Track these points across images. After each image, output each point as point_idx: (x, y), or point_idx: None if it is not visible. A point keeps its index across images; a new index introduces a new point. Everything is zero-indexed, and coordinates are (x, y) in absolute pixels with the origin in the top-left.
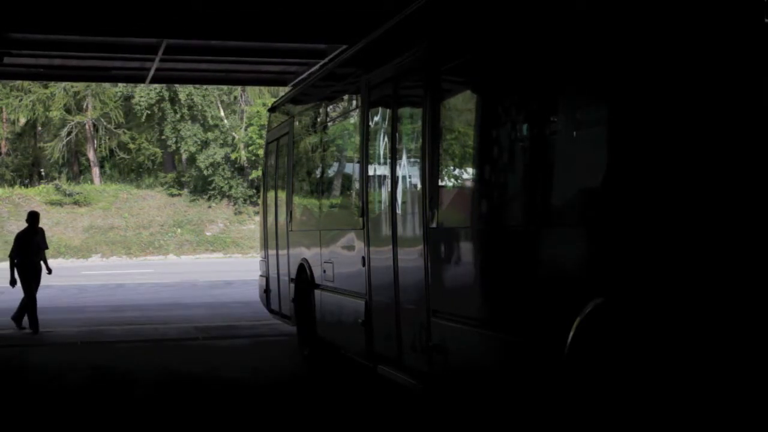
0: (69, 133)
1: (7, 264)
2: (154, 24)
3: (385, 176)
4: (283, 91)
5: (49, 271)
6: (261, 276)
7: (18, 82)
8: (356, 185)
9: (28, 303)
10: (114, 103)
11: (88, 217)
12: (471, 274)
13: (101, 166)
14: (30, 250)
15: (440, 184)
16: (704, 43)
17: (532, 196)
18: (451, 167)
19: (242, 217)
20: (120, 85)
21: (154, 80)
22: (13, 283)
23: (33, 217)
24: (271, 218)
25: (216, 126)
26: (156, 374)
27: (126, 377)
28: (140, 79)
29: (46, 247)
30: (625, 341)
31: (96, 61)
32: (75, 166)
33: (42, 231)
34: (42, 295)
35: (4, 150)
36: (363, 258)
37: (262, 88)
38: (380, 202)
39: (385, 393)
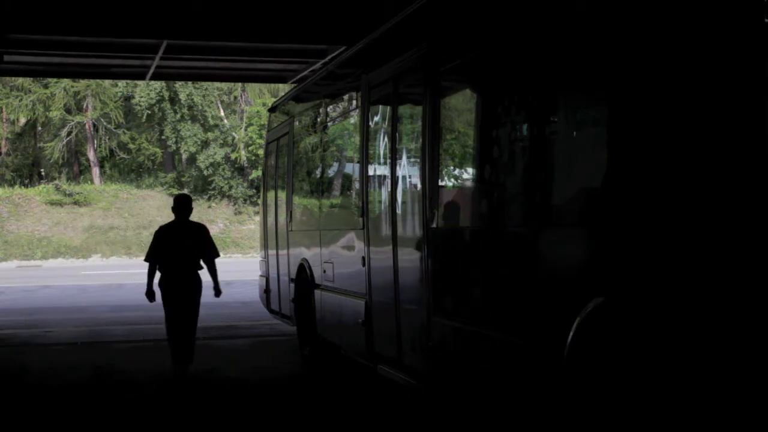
0: (69, 133)
1: (5, 265)
2: (154, 24)
3: (385, 176)
4: (283, 89)
5: (218, 291)
6: (261, 276)
7: (18, 82)
8: (356, 185)
9: (168, 332)
10: (114, 103)
11: (88, 217)
12: (471, 274)
13: (101, 166)
14: (176, 254)
15: (440, 184)
16: (704, 44)
17: (532, 195)
18: (451, 167)
19: (242, 217)
20: (120, 85)
21: (154, 77)
22: (149, 295)
23: (181, 204)
24: (271, 218)
25: (216, 126)
26: (156, 374)
27: (126, 377)
28: (140, 76)
29: (215, 254)
30: (626, 341)
31: (96, 59)
32: (75, 166)
33: (198, 228)
34: (42, 295)
35: (4, 150)
36: (363, 258)
37: (262, 88)
38: (380, 202)
39: (385, 393)
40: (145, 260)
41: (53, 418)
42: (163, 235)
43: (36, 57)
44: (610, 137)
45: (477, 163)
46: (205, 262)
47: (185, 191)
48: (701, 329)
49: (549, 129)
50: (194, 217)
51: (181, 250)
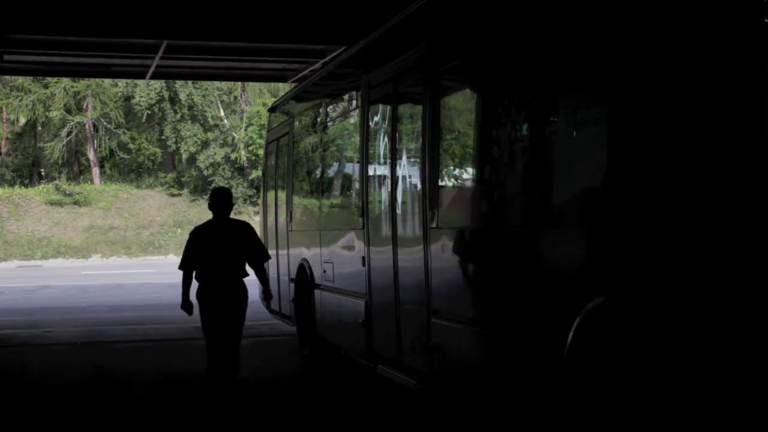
0: (69, 133)
1: (5, 265)
2: (154, 24)
3: (385, 176)
4: (283, 89)
5: (268, 295)
6: None
7: (18, 82)
8: (356, 185)
9: (207, 342)
10: (114, 103)
11: (88, 217)
12: (471, 274)
13: (101, 166)
14: (213, 264)
15: (440, 184)
16: (704, 44)
17: (532, 195)
18: (451, 167)
19: (242, 217)
20: (120, 85)
21: (154, 76)
22: (186, 307)
23: (219, 200)
24: (271, 218)
25: (216, 126)
26: (156, 374)
27: (126, 377)
28: (140, 75)
29: (264, 256)
30: (626, 341)
31: (96, 59)
32: (75, 166)
33: (241, 227)
34: (42, 295)
35: (4, 150)
36: (363, 258)
37: (262, 88)
38: (380, 202)
39: (385, 393)
40: (180, 268)
41: (53, 418)
42: (198, 238)
43: (36, 57)
44: (609, 137)
45: (477, 163)
46: (251, 266)
47: (185, 191)
48: (701, 329)
49: (549, 129)
50: (195, 218)
51: (218, 261)
